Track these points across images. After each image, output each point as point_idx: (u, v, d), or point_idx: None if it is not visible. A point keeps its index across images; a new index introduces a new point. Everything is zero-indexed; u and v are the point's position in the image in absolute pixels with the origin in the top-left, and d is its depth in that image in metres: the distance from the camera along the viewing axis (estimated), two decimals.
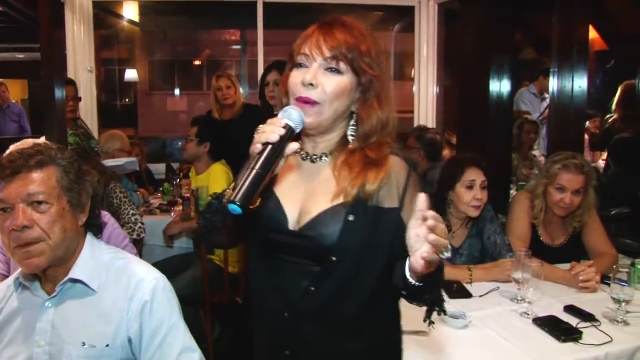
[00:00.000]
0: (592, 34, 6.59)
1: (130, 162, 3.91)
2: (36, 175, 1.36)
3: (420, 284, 1.10)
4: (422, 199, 1.02)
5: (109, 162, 3.83)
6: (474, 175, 2.44)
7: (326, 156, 1.32)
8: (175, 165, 4.97)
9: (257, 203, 1.22)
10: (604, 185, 4.48)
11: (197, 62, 11.42)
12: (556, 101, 3.33)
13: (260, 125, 1.16)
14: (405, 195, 1.25)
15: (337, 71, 1.23)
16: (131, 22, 7.13)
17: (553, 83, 3.32)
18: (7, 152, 1.44)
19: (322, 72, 1.23)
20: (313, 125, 1.24)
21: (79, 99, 4.21)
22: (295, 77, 1.24)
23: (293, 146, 1.15)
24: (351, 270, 1.23)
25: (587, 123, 6.04)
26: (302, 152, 1.34)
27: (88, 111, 5.10)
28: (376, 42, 1.29)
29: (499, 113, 3.50)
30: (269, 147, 1.11)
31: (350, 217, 1.22)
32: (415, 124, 5.66)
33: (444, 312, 1.19)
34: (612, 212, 3.86)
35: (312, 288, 1.25)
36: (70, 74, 4.83)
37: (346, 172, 1.25)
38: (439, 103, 5.70)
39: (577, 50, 3.21)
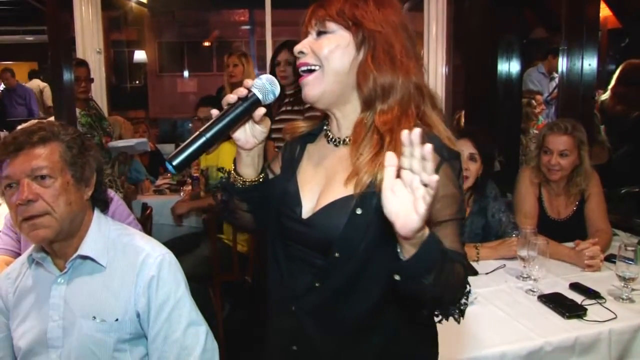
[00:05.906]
0: (605, 11, 6.46)
1: (140, 143, 3.94)
2: (39, 150, 1.39)
3: (409, 263, 0.92)
4: (415, 133, 0.84)
5: (120, 143, 3.87)
6: (462, 147, 2.46)
7: (349, 139, 1.17)
8: None
9: (260, 178, 1.22)
10: (615, 163, 4.44)
11: (206, 44, 11.38)
12: (565, 80, 3.29)
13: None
14: None
15: (326, 32, 1.13)
16: (139, 3, 7.10)
17: (562, 62, 3.27)
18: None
19: (314, 40, 1.14)
20: (317, 95, 1.14)
21: (92, 80, 4.21)
22: None
23: (260, 111, 1.12)
24: (356, 270, 1.10)
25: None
26: (328, 135, 1.23)
27: (98, 93, 5.11)
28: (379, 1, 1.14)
29: (507, 93, 3.48)
30: (229, 108, 1.11)
31: (358, 211, 1.08)
32: None
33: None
34: (622, 191, 3.84)
35: (317, 284, 1.15)
36: (79, 56, 4.84)
37: (360, 156, 1.10)
38: (448, 83, 5.66)
39: (587, 28, 3.16)
